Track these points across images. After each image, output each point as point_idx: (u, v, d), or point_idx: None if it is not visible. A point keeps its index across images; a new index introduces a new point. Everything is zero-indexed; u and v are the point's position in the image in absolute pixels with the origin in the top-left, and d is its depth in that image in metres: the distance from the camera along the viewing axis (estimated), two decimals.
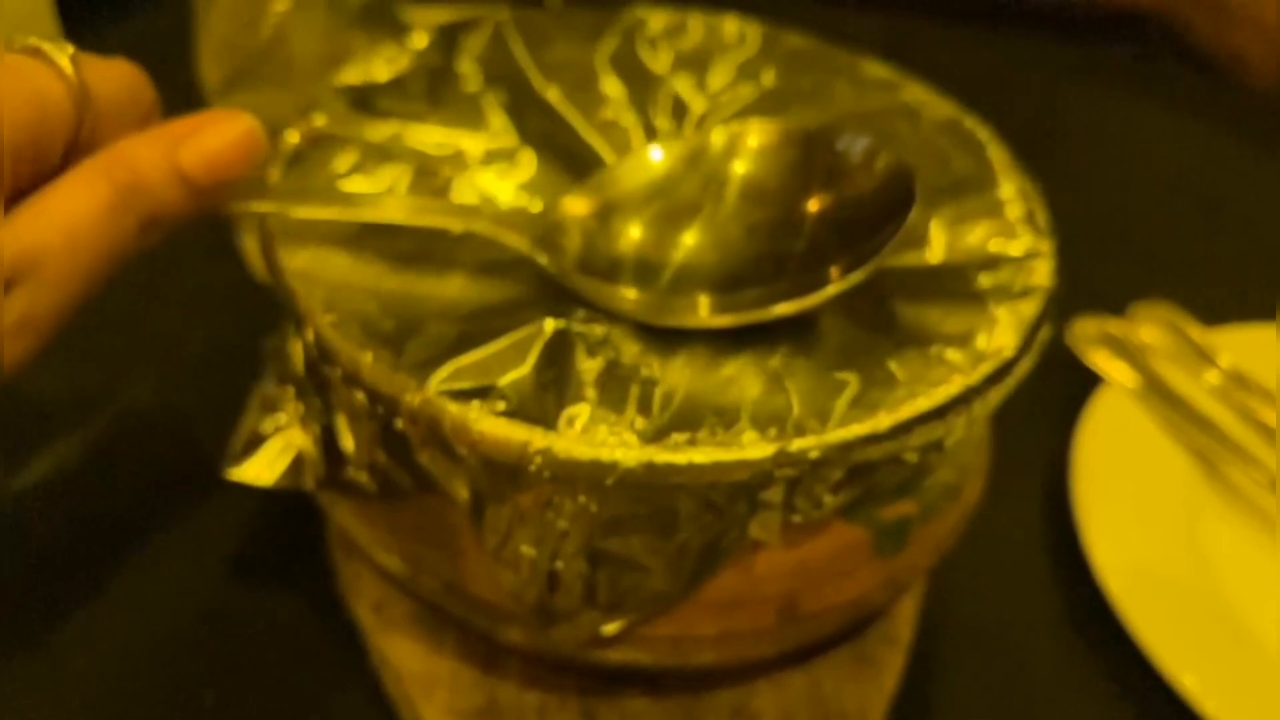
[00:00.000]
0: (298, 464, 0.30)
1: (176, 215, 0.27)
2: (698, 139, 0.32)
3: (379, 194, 0.31)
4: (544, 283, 0.29)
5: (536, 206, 0.32)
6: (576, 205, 0.31)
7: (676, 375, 0.27)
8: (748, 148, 0.32)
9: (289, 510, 0.35)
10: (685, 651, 0.29)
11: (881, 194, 0.30)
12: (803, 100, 0.37)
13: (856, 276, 0.28)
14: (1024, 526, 0.41)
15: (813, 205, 0.31)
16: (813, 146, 0.31)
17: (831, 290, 0.28)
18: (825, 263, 0.29)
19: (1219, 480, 0.42)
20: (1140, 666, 0.36)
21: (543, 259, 0.29)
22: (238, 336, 0.34)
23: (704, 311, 0.29)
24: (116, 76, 0.27)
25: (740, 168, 0.31)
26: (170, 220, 0.27)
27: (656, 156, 0.32)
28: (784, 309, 0.28)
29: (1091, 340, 0.45)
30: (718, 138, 0.32)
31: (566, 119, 0.35)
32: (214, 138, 0.27)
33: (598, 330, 0.28)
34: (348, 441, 0.28)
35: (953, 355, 0.28)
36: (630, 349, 0.28)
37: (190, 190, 0.27)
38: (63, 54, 0.26)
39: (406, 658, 0.33)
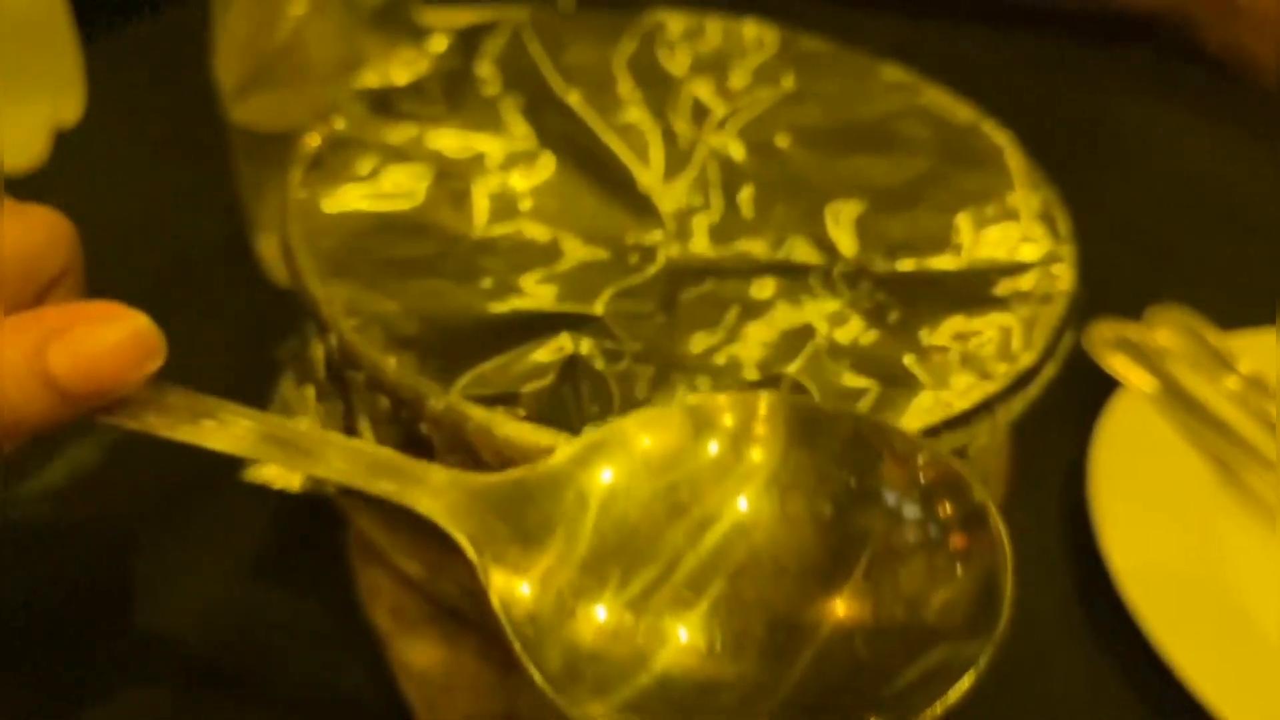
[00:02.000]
0: None
1: (41, 423, 0.23)
2: (688, 436, 0.23)
3: (279, 427, 0.25)
4: (565, 292, 0.29)
5: (551, 206, 0.32)
6: (518, 562, 0.22)
7: None
8: (757, 465, 0.23)
9: (307, 514, 0.35)
10: None
11: (954, 589, 0.21)
12: (822, 104, 0.37)
13: None
14: (1042, 531, 0.41)
15: (845, 601, 0.22)
16: (855, 464, 0.22)
17: None
18: (855, 699, 0.21)
19: (1238, 486, 0.42)
20: (1159, 672, 0.36)
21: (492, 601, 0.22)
22: (256, 339, 0.34)
23: None
24: (19, 232, 0.24)
25: (747, 499, 0.23)
26: (34, 428, 0.23)
27: (621, 474, 0.23)
28: None
29: (1109, 344, 0.44)
30: (717, 440, 0.23)
31: (586, 122, 0.35)
32: (93, 339, 0.23)
33: (616, 348, 0.28)
34: None
35: (975, 362, 0.28)
36: (647, 371, 0.28)
37: (59, 397, 0.22)
38: None
39: (425, 663, 0.33)
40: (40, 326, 0.23)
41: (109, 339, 0.23)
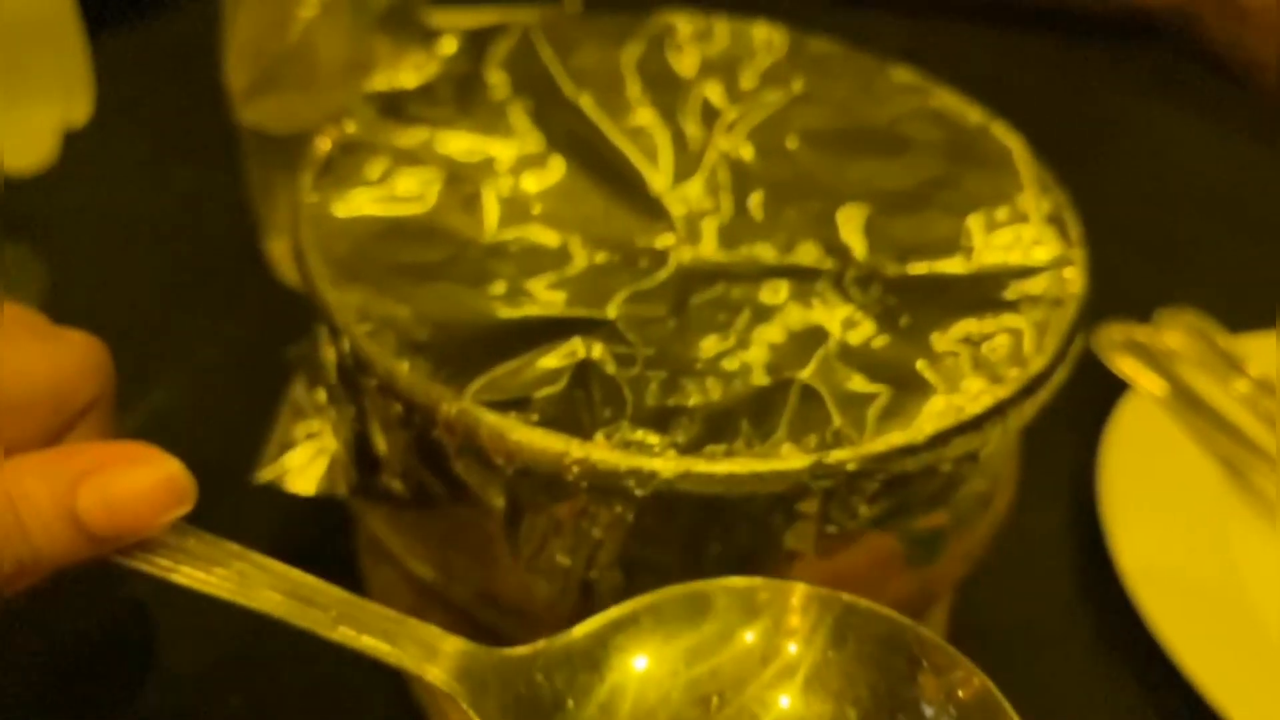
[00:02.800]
0: (331, 470, 0.30)
1: (62, 562, 0.22)
2: (720, 623, 0.23)
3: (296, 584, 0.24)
4: (576, 297, 0.29)
5: (571, 215, 0.32)
6: None
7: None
8: (790, 663, 0.22)
9: (317, 517, 0.35)
10: None
11: None
12: (831, 106, 0.37)
13: None
14: (1051, 534, 0.41)
15: None
16: (890, 670, 0.22)
17: None
18: None
19: (1247, 488, 0.42)
20: (1169, 674, 0.36)
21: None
22: (265, 341, 0.34)
23: None
24: (52, 362, 0.23)
25: (788, 698, 0.22)
26: (53, 566, 0.22)
27: (652, 662, 0.23)
28: None
29: (1118, 347, 0.44)
30: (751, 631, 0.23)
31: (596, 124, 0.35)
32: (124, 482, 0.22)
33: (627, 352, 0.28)
34: (382, 449, 0.28)
35: (987, 365, 0.28)
36: (659, 375, 0.28)
37: (83, 538, 0.22)
38: None
39: None
40: (71, 466, 0.22)
41: (141, 483, 0.23)
